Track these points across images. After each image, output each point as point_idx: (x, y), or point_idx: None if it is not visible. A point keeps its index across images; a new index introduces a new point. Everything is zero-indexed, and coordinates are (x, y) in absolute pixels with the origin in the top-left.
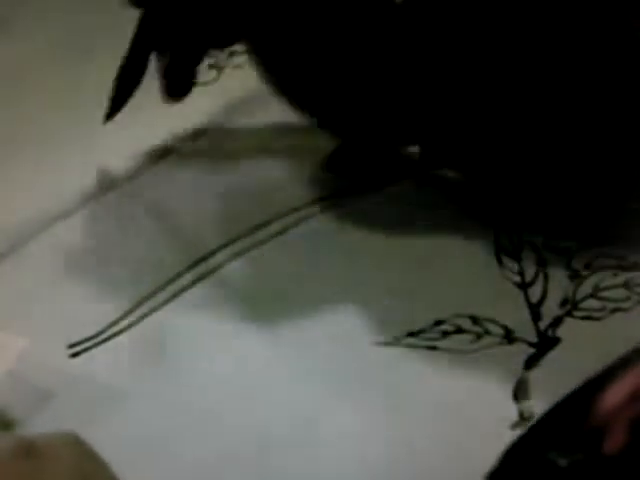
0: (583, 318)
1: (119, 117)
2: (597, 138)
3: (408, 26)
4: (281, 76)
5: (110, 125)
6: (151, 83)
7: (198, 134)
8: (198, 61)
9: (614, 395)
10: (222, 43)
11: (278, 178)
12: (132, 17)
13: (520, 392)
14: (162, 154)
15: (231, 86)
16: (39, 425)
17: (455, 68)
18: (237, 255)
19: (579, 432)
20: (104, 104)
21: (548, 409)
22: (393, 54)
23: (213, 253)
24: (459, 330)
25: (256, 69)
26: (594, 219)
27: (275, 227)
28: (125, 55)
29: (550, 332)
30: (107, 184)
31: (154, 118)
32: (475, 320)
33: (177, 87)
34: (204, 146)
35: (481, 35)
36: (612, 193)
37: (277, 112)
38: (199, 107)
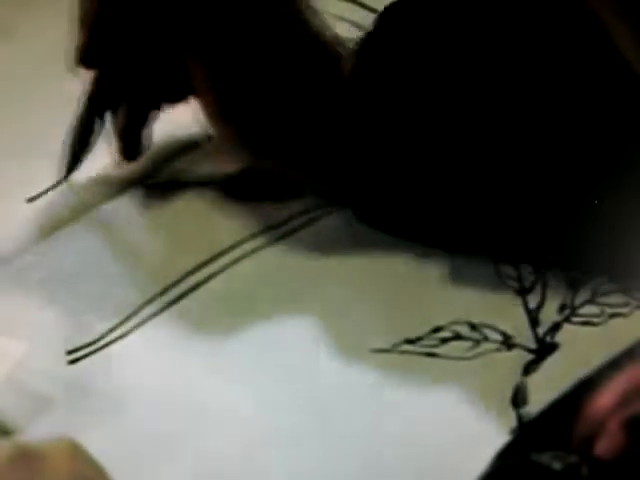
0: (582, 324)
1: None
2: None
3: (351, 101)
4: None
5: (107, 137)
6: None
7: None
8: (148, 122)
9: (605, 397)
10: (173, 99)
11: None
12: None
13: (519, 398)
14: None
15: None
16: (37, 432)
17: (394, 144)
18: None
19: (572, 434)
20: None
21: (539, 411)
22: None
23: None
24: (457, 337)
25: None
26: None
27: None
28: (79, 116)
29: (549, 338)
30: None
31: None
32: (473, 327)
33: (130, 149)
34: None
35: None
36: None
37: None
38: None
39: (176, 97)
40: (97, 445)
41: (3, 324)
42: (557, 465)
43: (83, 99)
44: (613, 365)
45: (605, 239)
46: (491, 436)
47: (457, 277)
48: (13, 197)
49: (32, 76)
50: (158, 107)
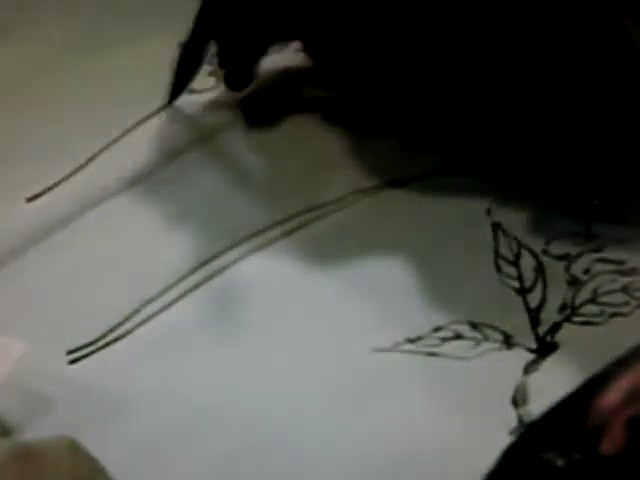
0: (582, 323)
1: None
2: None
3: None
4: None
5: (107, 138)
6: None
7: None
8: (259, 55)
9: (611, 395)
10: (282, 38)
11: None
12: (134, 26)
13: (519, 397)
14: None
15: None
16: (37, 432)
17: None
18: (240, 258)
19: (577, 433)
20: (103, 114)
21: (545, 409)
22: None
23: (215, 257)
24: (458, 336)
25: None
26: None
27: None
28: (184, 41)
29: (549, 337)
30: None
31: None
32: (474, 326)
33: (236, 79)
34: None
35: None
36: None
37: None
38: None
39: (283, 37)
40: (97, 445)
41: (3, 324)
42: (561, 462)
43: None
44: (619, 364)
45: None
46: (491, 436)
47: (457, 277)
48: (13, 197)
49: (32, 76)
50: (267, 46)
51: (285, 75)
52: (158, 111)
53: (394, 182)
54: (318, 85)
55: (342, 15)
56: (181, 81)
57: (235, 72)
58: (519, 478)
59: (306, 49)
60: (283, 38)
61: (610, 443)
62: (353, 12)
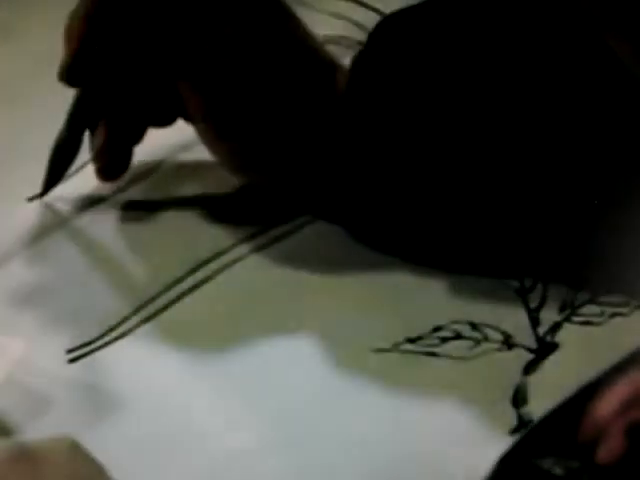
0: (582, 324)
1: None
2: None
3: (345, 116)
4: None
5: None
6: None
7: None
8: (137, 140)
9: (609, 402)
10: (161, 122)
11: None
12: None
13: (519, 397)
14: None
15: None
16: (37, 432)
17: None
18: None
19: (574, 440)
20: None
21: (542, 416)
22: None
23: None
24: (458, 336)
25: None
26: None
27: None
28: (60, 132)
29: (549, 337)
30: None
31: None
32: (474, 326)
33: (113, 167)
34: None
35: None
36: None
37: None
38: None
39: (164, 120)
40: (97, 445)
41: (3, 324)
42: (558, 470)
43: (65, 116)
44: (616, 370)
45: (607, 252)
46: (491, 436)
47: (457, 277)
48: (13, 197)
49: (32, 76)
50: (143, 128)
51: (169, 170)
52: (30, 200)
53: None
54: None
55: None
56: (56, 172)
57: (111, 160)
58: None
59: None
60: (161, 121)
61: (607, 451)
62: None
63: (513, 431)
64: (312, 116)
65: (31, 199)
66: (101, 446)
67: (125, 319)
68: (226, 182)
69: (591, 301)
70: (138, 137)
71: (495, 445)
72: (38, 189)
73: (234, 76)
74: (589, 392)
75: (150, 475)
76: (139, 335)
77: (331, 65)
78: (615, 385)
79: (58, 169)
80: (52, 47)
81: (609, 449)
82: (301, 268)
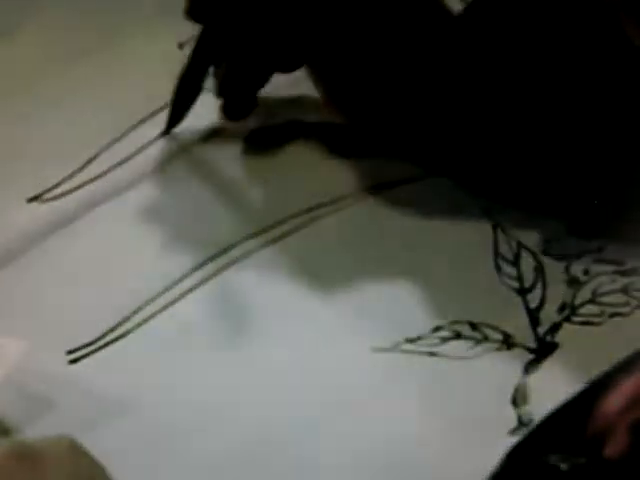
0: (582, 323)
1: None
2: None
3: (463, 39)
4: (338, 97)
5: (105, 139)
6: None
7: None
8: (261, 84)
9: (616, 399)
10: (286, 68)
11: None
12: (135, 26)
13: (519, 397)
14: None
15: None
16: (37, 432)
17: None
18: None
19: (580, 436)
20: (103, 114)
21: (549, 412)
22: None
23: (225, 251)
24: (458, 336)
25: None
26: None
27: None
28: (183, 68)
29: (549, 337)
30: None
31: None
32: (474, 326)
33: (235, 108)
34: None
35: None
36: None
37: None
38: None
39: (289, 66)
40: (97, 445)
41: (3, 324)
42: (565, 466)
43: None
44: (623, 367)
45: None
46: (491, 436)
47: (457, 277)
48: (13, 197)
49: (32, 76)
50: (268, 73)
51: (287, 103)
52: (156, 139)
53: (391, 184)
54: (322, 113)
55: (347, 43)
56: (180, 109)
57: (235, 101)
58: None
59: (312, 76)
60: (287, 66)
61: (614, 447)
62: (359, 40)
63: (513, 431)
64: (423, 44)
65: (30, 199)
66: (101, 446)
67: (126, 319)
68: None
69: (591, 301)
70: (262, 81)
71: (495, 445)
72: (38, 189)
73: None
74: (595, 389)
75: (150, 474)
76: (139, 335)
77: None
78: (622, 382)
79: (181, 106)
80: (52, 47)
81: (616, 445)
82: (304, 266)
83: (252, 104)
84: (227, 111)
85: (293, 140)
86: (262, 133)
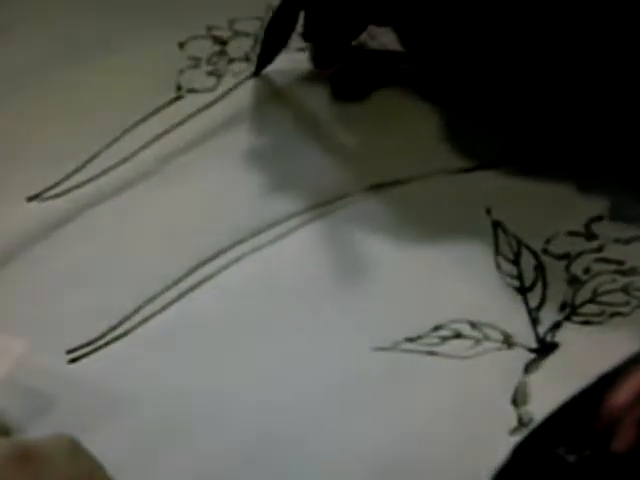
0: (582, 323)
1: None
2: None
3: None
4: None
5: (105, 138)
6: None
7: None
8: (354, 34)
9: (623, 393)
10: (380, 21)
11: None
12: (135, 26)
13: (519, 397)
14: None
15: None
16: (37, 431)
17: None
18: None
19: (588, 429)
20: (103, 114)
21: (557, 406)
22: None
23: (218, 255)
24: (458, 335)
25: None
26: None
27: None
28: (274, 12)
29: (549, 337)
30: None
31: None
32: (474, 325)
33: (325, 56)
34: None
35: None
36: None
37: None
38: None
39: (383, 19)
40: (97, 444)
41: (3, 324)
42: (571, 457)
43: None
44: (630, 363)
45: None
46: (491, 436)
47: (458, 276)
48: (13, 197)
49: (32, 76)
50: (363, 25)
51: (375, 53)
52: (248, 78)
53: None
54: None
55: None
56: (268, 52)
57: (325, 49)
58: (530, 473)
59: (397, 32)
60: (377, 21)
61: (622, 441)
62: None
63: (513, 431)
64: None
65: (30, 199)
66: (101, 446)
67: (126, 319)
68: None
69: (591, 301)
70: (356, 32)
71: (495, 445)
72: (38, 189)
73: None
74: (603, 384)
75: (150, 474)
76: (139, 335)
77: None
78: (629, 378)
79: (271, 49)
80: (52, 47)
81: (623, 439)
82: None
83: (340, 54)
84: (315, 59)
85: (382, 86)
86: (348, 78)
